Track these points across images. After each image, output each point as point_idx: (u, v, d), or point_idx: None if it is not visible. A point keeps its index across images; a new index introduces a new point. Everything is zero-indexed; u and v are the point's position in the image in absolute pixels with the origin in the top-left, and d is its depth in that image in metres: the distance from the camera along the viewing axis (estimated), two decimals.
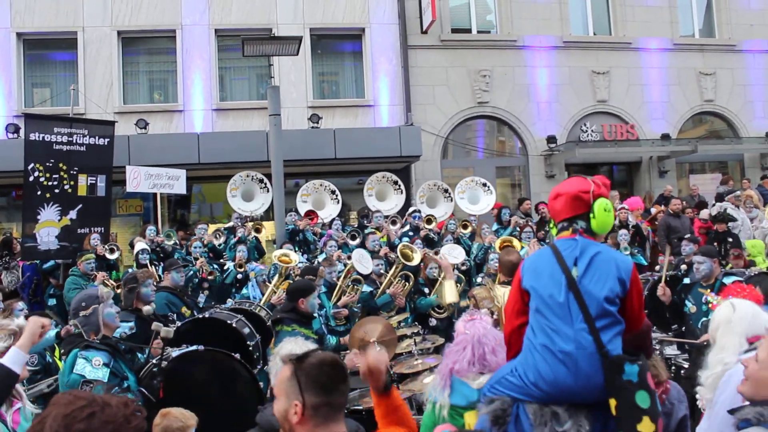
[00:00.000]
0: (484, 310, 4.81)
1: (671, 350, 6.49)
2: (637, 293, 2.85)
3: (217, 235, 10.46)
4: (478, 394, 2.97)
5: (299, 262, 8.44)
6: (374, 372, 2.51)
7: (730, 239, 10.48)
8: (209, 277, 9.27)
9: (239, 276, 9.24)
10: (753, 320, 3.01)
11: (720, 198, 12.48)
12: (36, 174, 10.13)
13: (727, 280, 5.94)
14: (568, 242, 2.88)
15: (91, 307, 4.13)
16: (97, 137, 10.93)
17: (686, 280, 6.57)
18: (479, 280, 8.67)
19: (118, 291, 7.58)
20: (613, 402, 2.58)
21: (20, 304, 6.67)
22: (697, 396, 2.97)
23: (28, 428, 1.68)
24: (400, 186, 12.76)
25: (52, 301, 10.09)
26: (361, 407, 4.75)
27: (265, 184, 11.96)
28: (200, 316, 5.64)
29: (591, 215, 2.89)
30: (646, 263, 10.22)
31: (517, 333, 2.92)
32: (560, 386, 2.64)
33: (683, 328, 6.58)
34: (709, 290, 5.93)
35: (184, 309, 6.90)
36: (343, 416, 2.18)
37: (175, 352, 4.45)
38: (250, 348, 5.14)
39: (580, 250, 2.83)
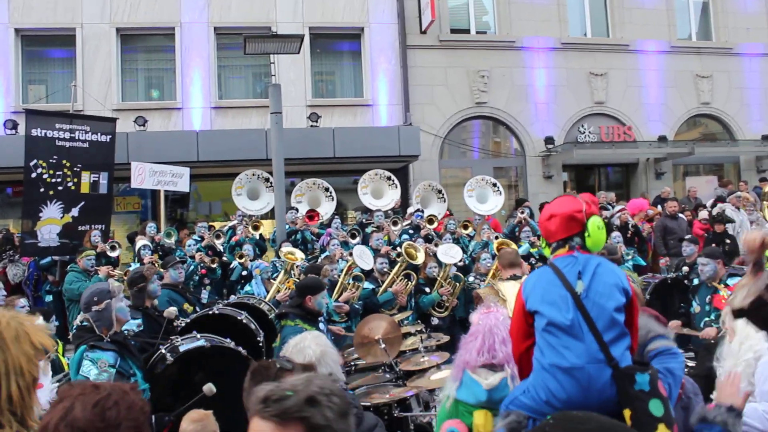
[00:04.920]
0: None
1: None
2: (635, 298, 2.89)
3: (219, 235, 10.38)
4: (487, 395, 3.01)
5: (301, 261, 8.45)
6: None
7: (728, 240, 10.56)
8: (213, 265, 9.23)
9: (244, 273, 9.24)
10: None
11: (719, 200, 12.53)
12: (39, 171, 10.05)
13: (731, 281, 5.99)
14: (567, 259, 2.91)
15: (104, 302, 4.11)
16: (99, 134, 10.88)
17: (695, 281, 6.61)
18: (471, 279, 8.68)
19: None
20: (627, 413, 2.60)
21: (22, 301, 6.64)
22: (717, 370, 2.99)
23: (51, 420, 1.65)
24: (393, 181, 12.67)
25: (48, 298, 10.07)
26: (369, 404, 4.75)
27: (271, 183, 11.94)
28: (210, 311, 5.63)
29: (586, 234, 2.92)
30: (644, 263, 10.24)
31: (526, 355, 2.94)
32: (572, 403, 2.65)
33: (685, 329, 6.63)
34: (723, 286, 5.96)
35: (186, 305, 6.90)
36: None
37: (182, 347, 4.44)
38: (260, 344, 5.14)
39: (582, 264, 2.85)
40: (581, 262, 2.87)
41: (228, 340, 4.58)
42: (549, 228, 3.01)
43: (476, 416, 3.00)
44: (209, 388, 3.56)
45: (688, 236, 8.53)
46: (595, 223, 2.92)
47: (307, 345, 3.18)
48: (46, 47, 14.77)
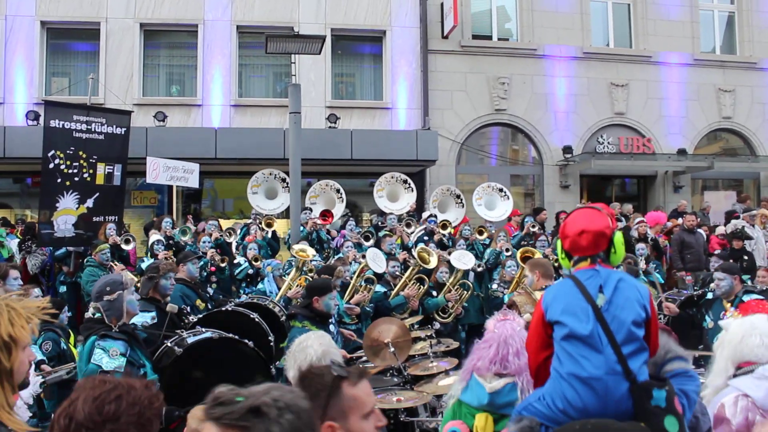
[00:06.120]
0: (527, 315, 4.82)
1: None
2: (655, 317, 2.90)
3: (229, 233, 10.42)
4: (488, 398, 3.00)
5: (313, 258, 8.43)
6: None
7: (746, 257, 10.44)
8: (222, 265, 9.26)
9: (251, 272, 9.24)
10: (739, 345, 3.04)
11: (732, 215, 12.36)
12: (57, 161, 10.12)
13: (747, 298, 5.92)
14: (589, 272, 2.90)
15: (116, 292, 4.14)
16: (114, 126, 10.94)
17: (709, 295, 6.53)
18: (494, 286, 8.70)
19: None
20: None
21: (36, 291, 6.68)
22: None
23: (57, 411, 1.71)
24: (409, 184, 12.68)
25: (62, 288, 10.14)
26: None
27: (287, 183, 11.97)
28: (223, 308, 5.65)
29: (612, 250, 2.93)
30: (662, 281, 10.13)
31: (543, 366, 2.94)
32: (589, 413, 2.66)
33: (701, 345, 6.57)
34: (730, 305, 5.90)
35: (198, 301, 6.90)
36: None
37: (190, 339, 4.46)
38: (271, 344, 5.15)
39: (604, 278, 2.85)
40: (603, 275, 2.86)
41: (232, 335, 4.59)
42: (580, 243, 2.96)
43: (477, 418, 3.00)
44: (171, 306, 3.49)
45: (718, 251, 8.40)
46: (619, 239, 2.93)
47: (309, 344, 3.32)
48: (71, 40, 14.93)
